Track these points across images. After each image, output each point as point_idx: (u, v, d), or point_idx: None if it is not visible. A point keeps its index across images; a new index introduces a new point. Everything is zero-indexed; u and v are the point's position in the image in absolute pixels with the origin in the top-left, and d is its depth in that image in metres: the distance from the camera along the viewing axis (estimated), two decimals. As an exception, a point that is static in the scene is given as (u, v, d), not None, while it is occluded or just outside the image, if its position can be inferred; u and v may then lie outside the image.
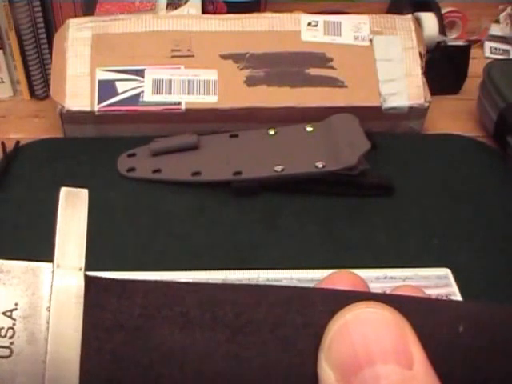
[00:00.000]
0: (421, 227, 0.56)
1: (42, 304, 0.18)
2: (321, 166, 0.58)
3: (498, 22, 0.86)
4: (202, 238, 0.55)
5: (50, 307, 0.18)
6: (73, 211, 0.19)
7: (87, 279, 0.18)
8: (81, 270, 0.18)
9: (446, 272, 0.50)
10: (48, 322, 0.17)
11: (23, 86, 0.73)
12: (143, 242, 0.54)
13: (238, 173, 0.59)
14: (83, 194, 0.19)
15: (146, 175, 0.61)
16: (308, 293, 0.19)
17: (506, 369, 0.19)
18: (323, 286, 0.22)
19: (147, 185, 0.60)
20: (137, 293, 0.19)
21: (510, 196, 0.60)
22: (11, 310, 0.17)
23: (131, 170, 0.62)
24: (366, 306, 0.18)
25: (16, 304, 0.18)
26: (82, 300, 0.18)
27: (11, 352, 0.17)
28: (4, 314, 0.17)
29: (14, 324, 0.17)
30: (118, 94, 0.64)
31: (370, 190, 0.59)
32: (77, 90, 0.64)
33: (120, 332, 0.18)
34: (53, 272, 0.18)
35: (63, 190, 0.19)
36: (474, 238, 0.56)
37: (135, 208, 0.58)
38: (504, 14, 0.86)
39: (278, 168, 0.58)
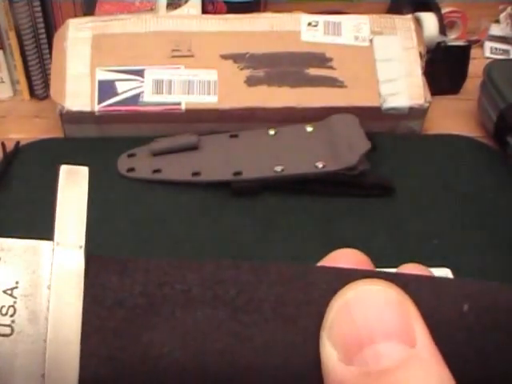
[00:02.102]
0: (421, 227, 0.56)
1: (42, 282, 0.17)
2: (321, 165, 0.58)
3: (498, 21, 0.86)
4: (202, 238, 0.55)
5: (50, 285, 0.17)
6: (73, 189, 0.19)
7: (87, 257, 0.18)
8: (81, 247, 0.18)
9: (445, 272, 0.50)
10: (49, 301, 0.17)
11: (23, 86, 0.73)
12: (143, 241, 0.54)
13: (238, 173, 0.59)
14: (83, 171, 0.19)
15: (145, 175, 0.61)
16: (310, 271, 0.19)
17: (510, 349, 0.19)
18: (326, 264, 0.21)
19: (147, 185, 0.60)
20: (138, 271, 0.18)
21: (510, 196, 0.60)
22: (12, 289, 0.17)
23: (131, 170, 0.62)
24: (367, 283, 0.18)
25: (17, 282, 0.17)
26: (82, 278, 0.18)
27: (12, 330, 0.17)
28: (5, 292, 0.17)
29: (14, 302, 0.17)
30: (117, 94, 0.64)
31: (370, 190, 0.59)
32: (77, 90, 0.64)
33: (121, 310, 0.18)
34: (53, 250, 0.18)
35: (63, 168, 0.19)
36: (474, 238, 0.56)
37: (135, 208, 0.58)
38: (504, 14, 0.86)
39: (278, 168, 0.58)
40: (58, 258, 0.18)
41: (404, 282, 0.19)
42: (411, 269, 0.21)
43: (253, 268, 0.19)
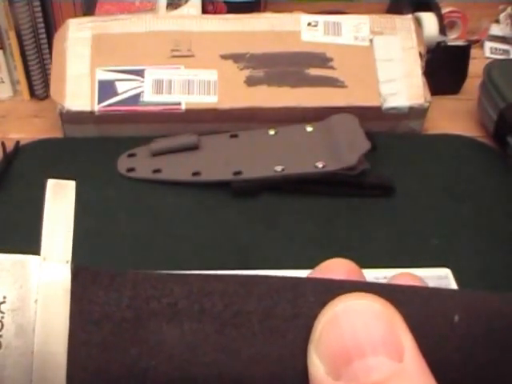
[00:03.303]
0: (421, 227, 0.56)
1: (30, 296, 0.18)
2: (321, 165, 0.58)
3: (498, 22, 0.86)
4: (202, 238, 0.55)
5: (37, 300, 0.18)
6: (60, 203, 0.19)
7: (74, 271, 0.18)
8: (68, 262, 0.18)
9: (445, 272, 0.50)
10: (36, 314, 0.17)
11: (23, 86, 0.73)
12: (143, 242, 0.54)
13: (238, 173, 0.59)
14: (70, 185, 0.19)
15: (146, 175, 0.61)
16: (299, 283, 0.19)
17: (502, 358, 0.19)
18: (317, 274, 0.21)
19: (147, 185, 0.60)
20: (125, 284, 0.19)
21: (510, 196, 0.60)
22: (0, 303, 0.18)
23: (131, 170, 0.62)
24: (355, 297, 0.18)
25: (4, 297, 0.18)
26: (68, 292, 0.18)
27: (0, 345, 0.17)
28: None
29: (2, 317, 0.17)
30: (117, 94, 0.64)
31: (370, 190, 0.59)
32: (77, 90, 0.64)
33: (107, 324, 0.18)
34: (40, 265, 0.18)
35: (50, 182, 0.19)
36: (474, 237, 0.56)
37: (135, 208, 0.58)
38: (504, 14, 0.86)
39: (278, 168, 0.58)
40: (44, 272, 0.18)
41: (393, 294, 0.19)
42: (404, 279, 0.21)
43: (240, 280, 0.19)
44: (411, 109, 0.66)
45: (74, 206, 0.19)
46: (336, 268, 0.22)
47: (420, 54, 0.67)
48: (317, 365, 0.17)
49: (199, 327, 0.18)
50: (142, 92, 0.65)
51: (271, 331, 0.18)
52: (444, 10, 0.79)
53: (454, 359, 0.18)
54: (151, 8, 0.74)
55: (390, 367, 0.16)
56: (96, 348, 0.18)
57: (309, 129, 0.62)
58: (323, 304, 0.18)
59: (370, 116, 0.64)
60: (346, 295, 0.18)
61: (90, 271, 0.19)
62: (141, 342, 0.18)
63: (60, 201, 0.19)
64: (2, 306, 0.18)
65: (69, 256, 0.18)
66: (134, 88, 0.65)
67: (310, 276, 0.21)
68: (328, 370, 0.17)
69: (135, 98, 0.64)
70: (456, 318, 0.19)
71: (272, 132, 0.62)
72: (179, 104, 0.65)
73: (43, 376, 0.17)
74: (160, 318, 0.18)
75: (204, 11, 0.76)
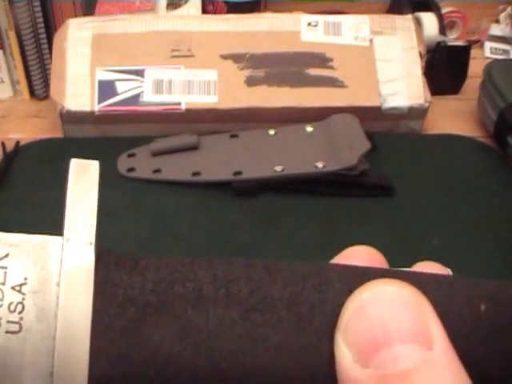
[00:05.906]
0: (421, 227, 0.56)
1: (51, 279, 0.17)
2: (321, 165, 0.58)
3: (498, 22, 0.86)
4: (202, 238, 0.55)
5: (59, 282, 0.17)
6: (83, 184, 0.19)
7: (98, 254, 0.18)
8: (91, 244, 0.18)
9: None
10: (58, 298, 0.17)
11: (23, 86, 0.73)
12: (143, 242, 0.54)
13: (238, 173, 0.59)
14: (94, 165, 0.19)
15: (146, 175, 0.61)
16: (324, 269, 0.19)
17: None
18: (340, 261, 0.21)
19: (147, 185, 0.60)
20: (149, 268, 0.18)
21: (510, 196, 0.60)
22: (20, 285, 0.17)
23: (131, 170, 0.62)
24: (383, 283, 0.17)
25: (25, 278, 0.17)
26: (92, 275, 0.17)
27: (20, 328, 0.17)
28: (13, 288, 0.17)
29: (23, 299, 0.17)
30: (117, 94, 0.64)
31: (370, 190, 0.59)
32: (77, 90, 0.64)
33: (131, 308, 0.17)
34: (62, 246, 0.18)
35: (73, 162, 0.19)
36: (474, 238, 0.55)
37: (135, 208, 0.58)
38: (504, 14, 0.86)
39: (278, 168, 0.58)
40: (67, 254, 0.17)
41: (420, 282, 0.18)
42: (427, 267, 0.21)
43: (266, 266, 0.19)
44: (411, 109, 0.66)
45: (97, 187, 0.18)
46: (359, 255, 0.21)
47: (420, 54, 0.67)
48: (344, 352, 0.17)
49: (225, 313, 0.18)
50: (142, 92, 0.65)
51: (297, 317, 0.18)
52: (444, 10, 0.79)
53: (481, 348, 0.18)
54: (151, 8, 0.74)
55: (420, 355, 0.16)
56: (119, 332, 0.17)
57: (309, 129, 0.62)
58: (349, 290, 0.18)
59: (370, 116, 0.64)
60: (373, 282, 0.18)
61: (114, 254, 0.18)
62: (164, 327, 0.17)
63: (83, 181, 0.19)
64: (22, 287, 0.17)
65: (92, 238, 0.18)
66: (134, 88, 0.65)
67: (334, 262, 0.21)
68: (355, 358, 0.17)
69: (135, 98, 0.64)
70: (482, 306, 0.18)
71: (272, 132, 0.62)
72: (179, 104, 0.64)
73: (65, 361, 0.17)
74: (184, 302, 0.18)
75: (204, 11, 0.76)
